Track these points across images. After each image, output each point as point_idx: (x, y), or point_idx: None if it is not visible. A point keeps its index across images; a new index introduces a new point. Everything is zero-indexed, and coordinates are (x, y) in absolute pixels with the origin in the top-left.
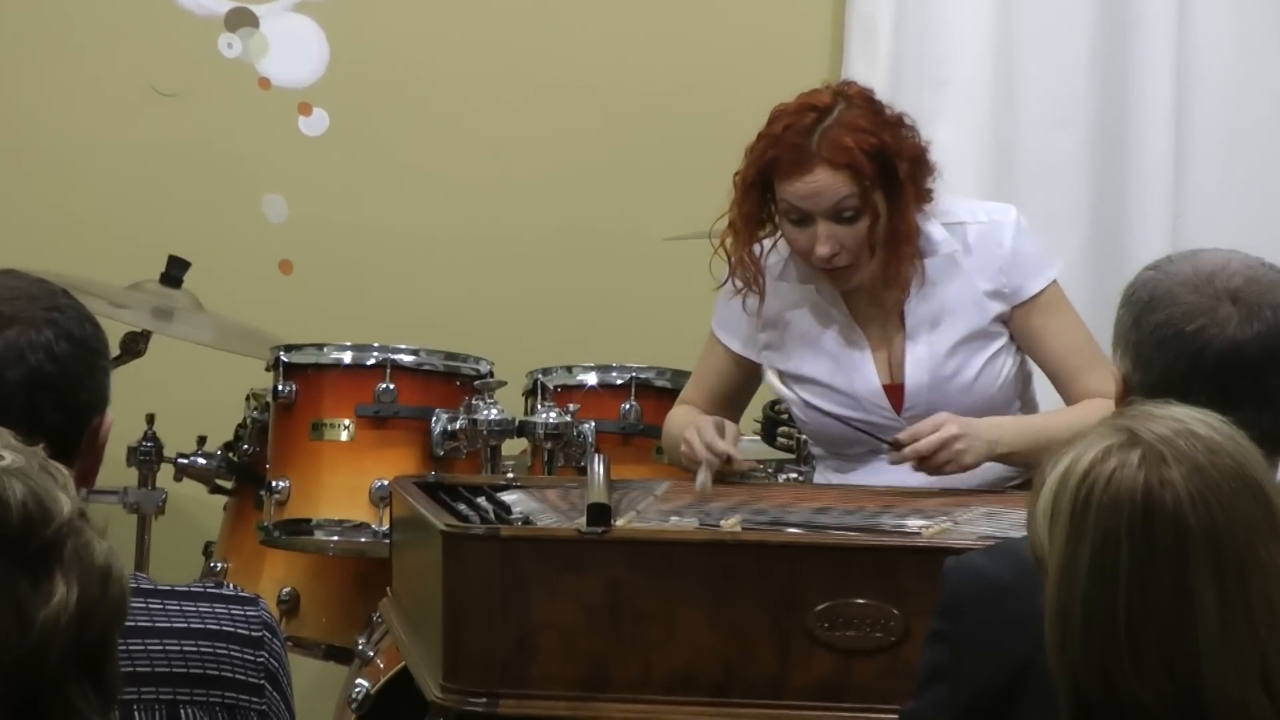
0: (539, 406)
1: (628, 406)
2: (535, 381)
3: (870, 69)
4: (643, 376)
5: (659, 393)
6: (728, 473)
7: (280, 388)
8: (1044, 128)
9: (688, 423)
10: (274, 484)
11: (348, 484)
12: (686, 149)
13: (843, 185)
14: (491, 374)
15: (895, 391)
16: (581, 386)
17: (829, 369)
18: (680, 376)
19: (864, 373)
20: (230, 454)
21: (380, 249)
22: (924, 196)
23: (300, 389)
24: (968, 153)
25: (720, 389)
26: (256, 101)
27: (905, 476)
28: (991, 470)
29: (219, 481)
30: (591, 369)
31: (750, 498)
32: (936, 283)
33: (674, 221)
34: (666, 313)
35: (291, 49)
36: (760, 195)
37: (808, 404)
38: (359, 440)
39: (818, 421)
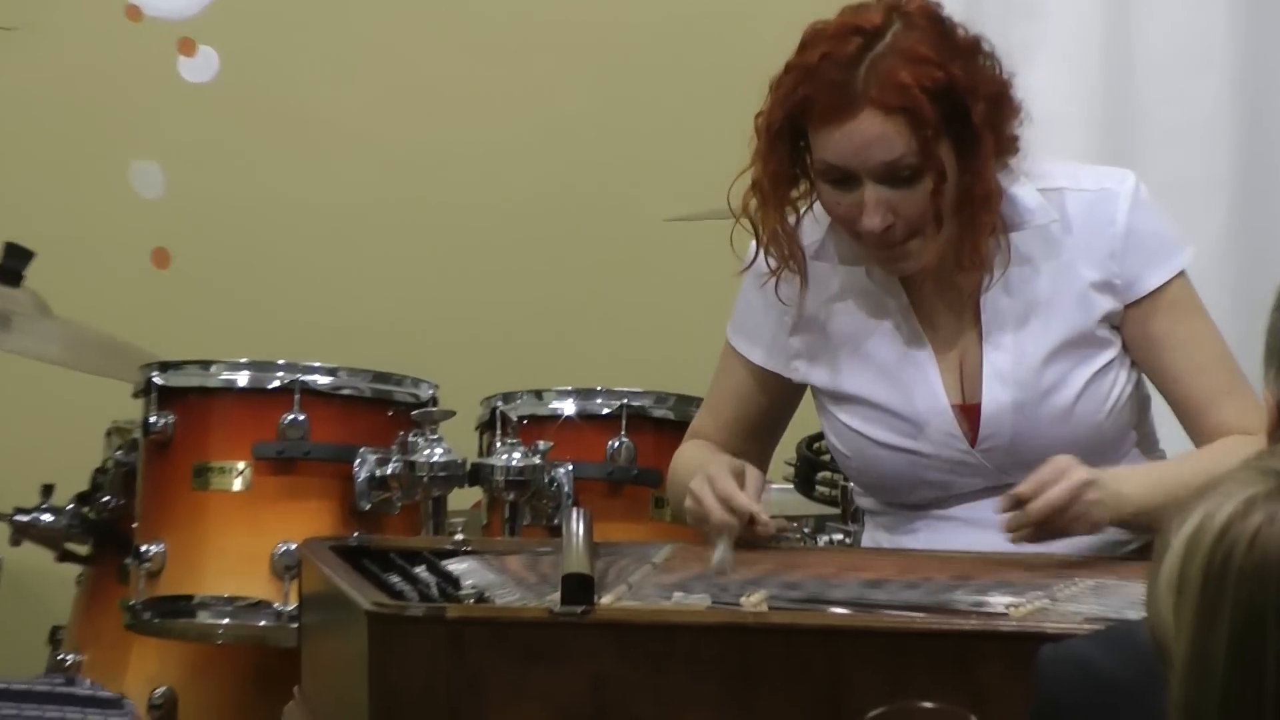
0: (498, 444)
1: (617, 444)
2: (493, 411)
3: None
4: (637, 405)
5: (658, 426)
6: (751, 537)
7: (153, 419)
8: (1173, 72)
9: (697, 466)
10: (144, 549)
11: (243, 549)
12: (695, 100)
13: (897, 135)
14: (435, 401)
15: (970, 414)
16: (555, 418)
17: (880, 383)
18: (687, 405)
19: (927, 388)
20: (85, 508)
21: (287, 234)
22: (1007, 147)
23: (180, 421)
24: (1071, 104)
25: (741, 417)
26: (123, 37)
27: (983, 537)
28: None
29: (70, 545)
30: (569, 394)
31: (780, 566)
32: (1026, 267)
33: (679, 198)
34: (669, 320)
35: None
36: (790, 145)
37: (851, 431)
38: (258, 490)
39: (865, 456)
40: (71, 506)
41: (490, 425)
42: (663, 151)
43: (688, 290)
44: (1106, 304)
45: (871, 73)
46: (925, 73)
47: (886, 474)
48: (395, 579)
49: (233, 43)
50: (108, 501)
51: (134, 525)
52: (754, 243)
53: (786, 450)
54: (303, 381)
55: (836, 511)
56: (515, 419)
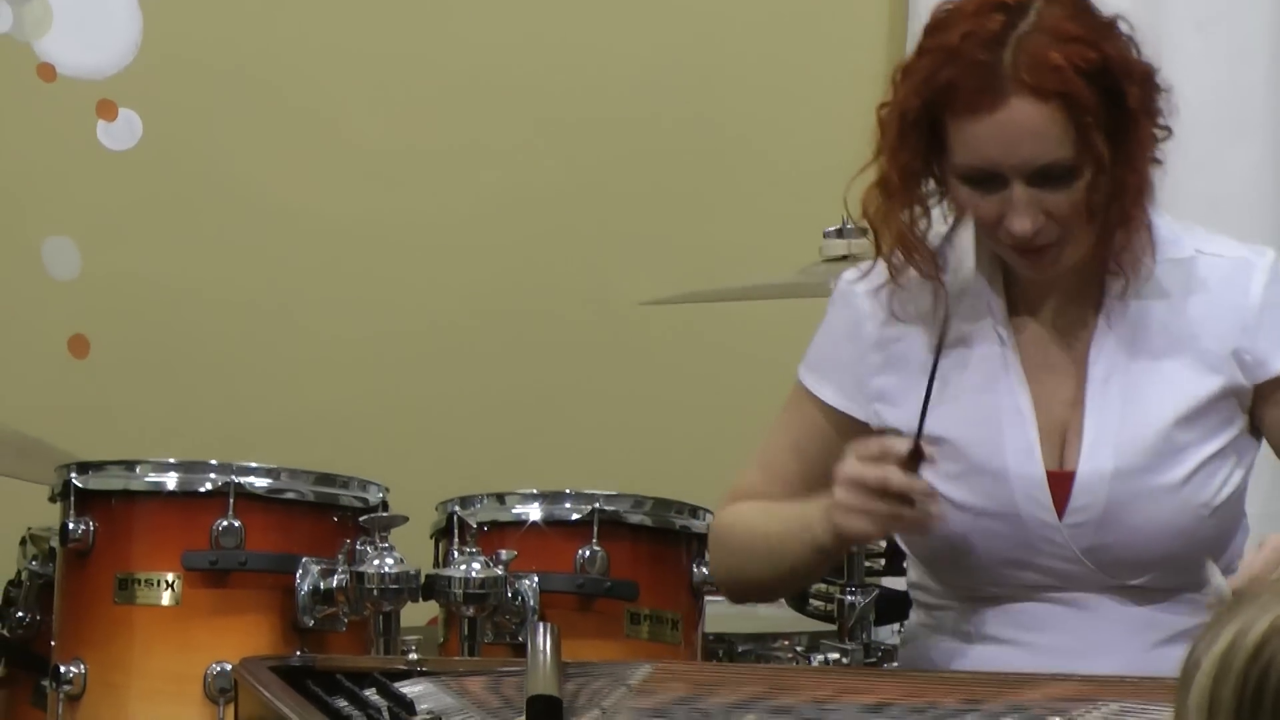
0: (455, 554)
1: (587, 553)
2: (450, 516)
3: None
4: (610, 509)
5: (634, 533)
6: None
7: (71, 526)
8: (1207, 138)
9: (778, 516)
10: (62, 670)
11: (172, 670)
12: (672, 170)
13: (1051, 128)
14: (385, 505)
15: (1061, 483)
16: (519, 524)
17: (968, 430)
18: (666, 510)
19: (1022, 444)
20: None
21: (219, 319)
22: (1161, 136)
23: (101, 528)
24: None
25: (799, 472)
26: (35, 98)
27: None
28: (1120, 643)
29: None
30: (534, 498)
31: (770, 689)
32: (1151, 310)
33: (655, 278)
34: (645, 414)
35: (87, 22)
36: (926, 136)
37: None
38: (189, 604)
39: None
40: None
41: (447, 532)
42: (637, 227)
43: (665, 381)
44: (1234, 377)
45: (1020, 53)
46: (1079, 52)
47: (959, 544)
48: (342, 703)
49: (157, 105)
50: (21, 617)
51: (51, 643)
52: (866, 262)
53: None
54: (238, 484)
55: (833, 628)
56: (474, 525)
